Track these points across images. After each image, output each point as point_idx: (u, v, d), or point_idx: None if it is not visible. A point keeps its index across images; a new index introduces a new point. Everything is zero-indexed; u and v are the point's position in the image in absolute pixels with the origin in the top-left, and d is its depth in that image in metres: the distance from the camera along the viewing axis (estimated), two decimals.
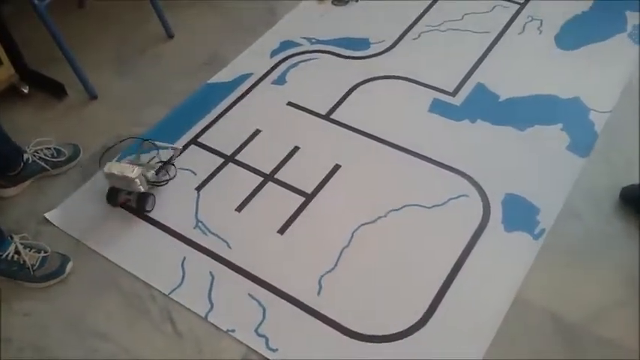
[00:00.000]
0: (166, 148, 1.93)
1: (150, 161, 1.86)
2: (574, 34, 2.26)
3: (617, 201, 1.72)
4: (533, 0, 2.43)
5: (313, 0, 2.51)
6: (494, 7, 2.40)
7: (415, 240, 1.68)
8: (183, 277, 1.63)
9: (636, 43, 2.20)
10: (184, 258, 1.67)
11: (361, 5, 2.47)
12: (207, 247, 1.69)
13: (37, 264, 1.62)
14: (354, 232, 1.70)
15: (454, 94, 2.07)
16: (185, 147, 1.97)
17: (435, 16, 2.38)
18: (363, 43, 2.30)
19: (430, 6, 2.43)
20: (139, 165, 1.77)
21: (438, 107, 2.03)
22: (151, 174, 1.78)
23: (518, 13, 2.37)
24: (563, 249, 1.64)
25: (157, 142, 1.93)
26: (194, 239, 1.71)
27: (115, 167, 1.73)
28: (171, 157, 1.88)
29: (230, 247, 1.69)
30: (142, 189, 1.75)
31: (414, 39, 2.29)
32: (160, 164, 1.83)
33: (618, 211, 1.71)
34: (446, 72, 2.15)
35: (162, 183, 1.83)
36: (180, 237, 1.72)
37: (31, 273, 1.61)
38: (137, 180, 1.71)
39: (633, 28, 2.26)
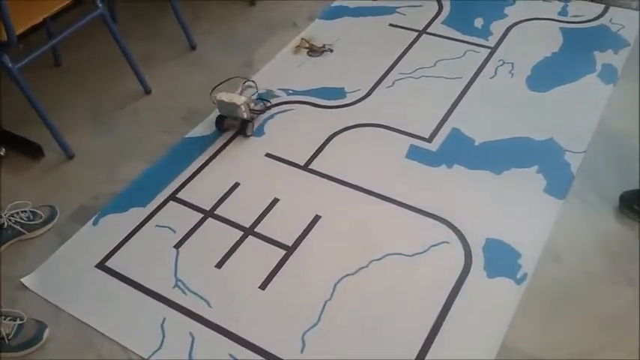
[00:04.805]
0: (265, 89, 2.33)
1: (251, 96, 2.28)
2: (545, 76, 2.30)
3: (617, 207, 1.79)
4: (503, 44, 2.48)
5: (289, 52, 2.55)
6: (465, 52, 2.45)
7: (398, 290, 1.66)
8: (162, 339, 1.60)
9: (605, 82, 2.25)
10: (164, 319, 1.64)
11: (336, 55, 2.51)
12: (186, 307, 1.66)
13: (13, 333, 1.58)
14: (336, 284, 1.69)
15: (430, 139, 2.09)
16: (163, 203, 1.96)
17: (408, 64, 2.42)
18: (339, 93, 2.32)
19: (403, 54, 2.48)
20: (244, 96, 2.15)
21: (415, 154, 2.04)
22: (252, 104, 2.16)
23: (489, 57, 2.42)
24: (545, 293, 1.63)
25: (257, 84, 2.35)
26: (174, 299, 1.68)
27: (225, 95, 2.10)
28: (270, 95, 2.31)
29: (210, 306, 1.66)
30: (245, 116, 2.10)
31: (388, 87, 2.33)
32: (259, 100, 2.26)
33: (598, 252, 1.71)
34: (421, 118, 2.17)
35: (260, 112, 2.22)
36: (160, 297, 1.69)
37: (7, 342, 1.57)
38: (242, 106, 2.07)
39: (602, 68, 2.31)
